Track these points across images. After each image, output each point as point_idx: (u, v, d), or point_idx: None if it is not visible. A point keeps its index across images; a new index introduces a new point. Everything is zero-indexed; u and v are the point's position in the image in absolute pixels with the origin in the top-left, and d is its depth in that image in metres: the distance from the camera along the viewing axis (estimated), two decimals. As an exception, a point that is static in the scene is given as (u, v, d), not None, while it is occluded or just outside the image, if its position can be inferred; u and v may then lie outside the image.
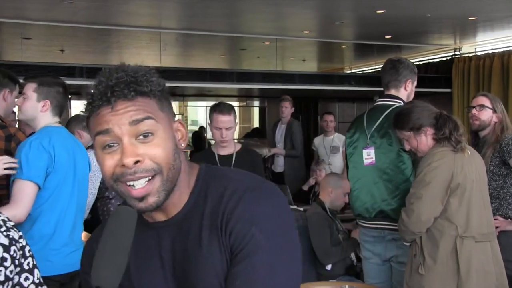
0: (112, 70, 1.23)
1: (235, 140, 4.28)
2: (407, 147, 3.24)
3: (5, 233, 1.61)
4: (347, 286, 2.55)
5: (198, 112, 16.80)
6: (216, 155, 3.97)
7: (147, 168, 1.20)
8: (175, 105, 16.19)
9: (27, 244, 1.69)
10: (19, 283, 1.66)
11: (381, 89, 3.74)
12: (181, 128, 1.31)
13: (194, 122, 16.51)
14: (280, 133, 7.49)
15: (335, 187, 4.63)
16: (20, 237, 1.66)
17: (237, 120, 4.01)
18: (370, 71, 12.71)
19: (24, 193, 2.78)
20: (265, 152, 7.06)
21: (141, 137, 1.20)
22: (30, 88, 3.03)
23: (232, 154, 3.97)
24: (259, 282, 1.19)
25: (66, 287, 2.98)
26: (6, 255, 1.58)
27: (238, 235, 1.21)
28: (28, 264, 1.68)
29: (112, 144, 1.20)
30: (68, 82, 3.77)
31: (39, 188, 2.87)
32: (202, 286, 1.25)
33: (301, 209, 5.23)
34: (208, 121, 4.01)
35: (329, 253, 4.41)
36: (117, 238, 1.12)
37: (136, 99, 1.21)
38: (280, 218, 1.25)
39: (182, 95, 14.78)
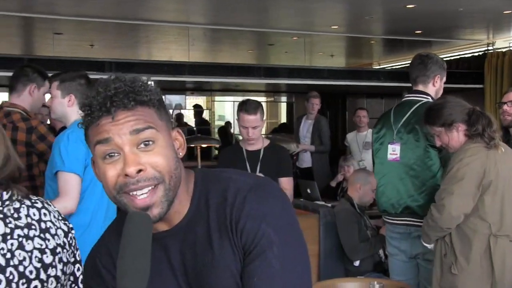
0: (109, 81, 1.22)
1: (263, 136, 4.29)
2: (437, 143, 3.20)
3: (62, 222, 1.74)
4: (375, 282, 2.52)
5: (225, 107, 16.81)
6: (244, 151, 3.99)
7: (150, 176, 1.20)
8: (202, 100, 16.24)
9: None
10: (73, 273, 1.77)
11: (410, 85, 3.70)
12: (179, 137, 1.31)
13: (221, 117, 16.51)
14: (306, 128, 7.46)
15: (364, 183, 4.60)
16: (72, 228, 1.78)
17: (265, 117, 4.03)
18: (399, 66, 12.58)
19: (70, 184, 2.86)
20: (293, 148, 7.02)
21: (142, 145, 1.20)
22: (54, 87, 3.15)
23: (260, 150, 3.98)
24: (276, 276, 1.21)
25: None
26: (65, 240, 1.71)
27: (250, 234, 1.23)
28: (78, 255, 1.79)
29: (113, 154, 1.20)
30: (98, 76, 3.80)
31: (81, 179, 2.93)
32: None
33: (329, 205, 5.21)
34: (236, 117, 4.02)
35: (357, 249, 4.39)
36: (136, 242, 1.12)
37: (136, 108, 1.21)
38: (286, 213, 1.27)
39: (209, 90, 14.81)
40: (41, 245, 1.63)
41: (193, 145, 6.58)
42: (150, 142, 1.21)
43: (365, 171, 5.01)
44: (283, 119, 16.43)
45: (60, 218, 1.74)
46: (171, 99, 13.99)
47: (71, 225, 1.77)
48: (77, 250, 1.79)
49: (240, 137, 4.09)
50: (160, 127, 1.23)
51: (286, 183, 3.94)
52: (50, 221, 1.69)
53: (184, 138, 1.32)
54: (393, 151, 3.57)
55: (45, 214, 1.69)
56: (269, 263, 1.21)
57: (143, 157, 1.20)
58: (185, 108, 14.60)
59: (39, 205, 1.70)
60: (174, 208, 1.26)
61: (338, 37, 10.65)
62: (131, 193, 1.20)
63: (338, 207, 4.74)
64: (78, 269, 1.78)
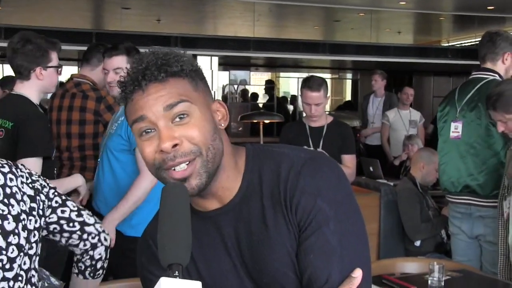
0: (143, 55, 1.21)
1: (327, 112, 4.27)
2: (500, 129, 3.07)
3: (30, 185, 1.65)
4: (435, 262, 2.49)
5: (290, 83, 16.79)
6: (307, 127, 3.99)
7: (186, 151, 1.17)
8: (267, 75, 16.26)
9: (51, 188, 1.73)
10: (58, 217, 1.73)
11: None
12: (221, 108, 1.27)
13: (286, 94, 16.52)
14: (375, 106, 7.36)
15: (427, 162, 4.52)
16: (44, 186, 1.71)
17: (329, 94, 4.01)
18: (469, 44, 12.21)
19: None
20: (357, 124, 6.91)
21: (177, 119, 1.18)
22: (122, 61, 2.93)
23: (323, 126, 3.97)
24: (333, 252, 1.18)
25: None
26: (32, 205, 1.64)
27: (305, 210, 1.20)
28: (56, 202, 1.72)
29: (149, 130, 1.18)
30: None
31: None
32: (275, 266, 1.23)
33: (391, 183, 5.16)
34: (300, 93, 4.03)
35: (418, 229, 4.34)
36: (174, 214, 1.08)
37: (167, 81, 1.19)
38: (340, 186, 1.23)
39: (274, 66, 14.82)
40: (3, 210, 1.56)
41: (255, 121, 6.62)
42: (185, 115, 1.18)
43: (430, 150, 4.91)
44: (348, 96, 16.29)
45: (28, 181, 1.65)
46: (236, 74, 14.09)
47: (39, 187, 1.68)
48: (50, 201, 1.72)
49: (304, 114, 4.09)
50: (194, 98, 1.20)
51: (349, 161, 3.93)
52: (16, 186, 1.61)
53: (226, 109, 1.28)
54: (455, 129, 3.51)
55: (11, 179, 1.61)
56: (326, 239, 1.18)
57: (178, 130, 1.17)
58: (249, 84, 14.68)
59: (5, 169, 1.62)
60: (222, 184, 1.24)
61: (406, 14, 10.42)
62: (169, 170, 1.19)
63: (400, 186, 4.68)
64: (63, 212, 1.73)
